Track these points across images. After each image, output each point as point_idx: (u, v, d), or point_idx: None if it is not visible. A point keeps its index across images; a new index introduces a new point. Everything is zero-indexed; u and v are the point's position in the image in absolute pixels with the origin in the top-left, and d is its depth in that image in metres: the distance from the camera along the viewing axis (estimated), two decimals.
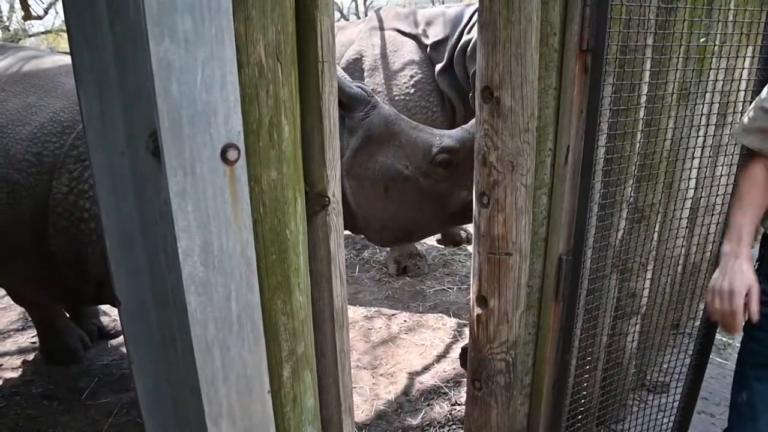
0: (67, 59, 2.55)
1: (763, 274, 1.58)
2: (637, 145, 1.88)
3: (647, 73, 1.79)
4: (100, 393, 2.89)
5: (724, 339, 3.15)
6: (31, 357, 3.26)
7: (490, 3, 1.55)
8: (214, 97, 0.86)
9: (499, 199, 1.71)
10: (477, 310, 1.89)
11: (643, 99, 1.82)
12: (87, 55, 0.91)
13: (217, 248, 0.93)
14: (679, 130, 2.02)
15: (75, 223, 2.17)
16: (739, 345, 1.68)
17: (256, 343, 1.04)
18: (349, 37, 4.67)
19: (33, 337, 3.46)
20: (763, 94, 1.48)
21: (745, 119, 1.52)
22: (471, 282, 1.92)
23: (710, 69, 2.06)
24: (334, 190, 1.19)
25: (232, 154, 0.91)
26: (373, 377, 2.98)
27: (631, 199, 1.96)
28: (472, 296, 1.91)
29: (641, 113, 1.84)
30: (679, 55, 1.87)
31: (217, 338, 0.98)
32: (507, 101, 1.61)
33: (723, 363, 3.03)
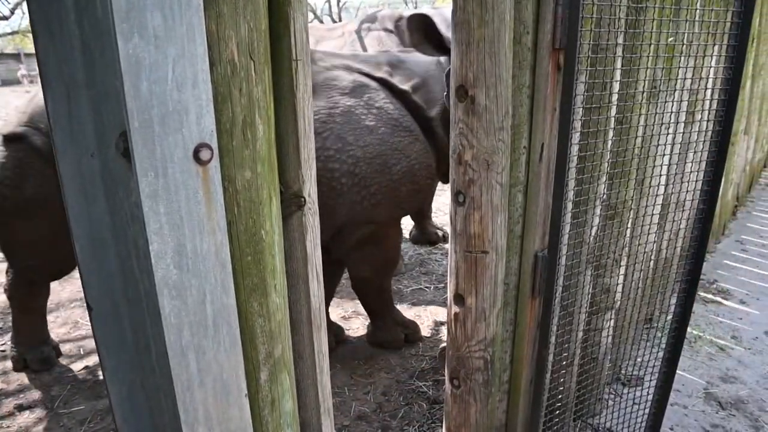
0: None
1: None
2: (609, 142, 1.91)
3: (618, 72, 1.82)
4: (74, 401, 2.82)
5: (695, 332, 3.22)
6: (1, 366, 3.16)
7: (464, 3, 1.56)
8: (185, 95, 0.85)
9: (475, 197, 1.72)
10: (454, 309, 1.89)
11: (615, 97, 1.85)
12: (53, 53, 0.88)
13: (190, 250, 0.92)
14: (649, 128, 2.06)
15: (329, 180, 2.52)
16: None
17: (232, 346, 1.03)
18: (335, 45, 4.60)
19: (2, 345, 3.36)
20: None
21: None
22: (448, 281, 1.92)
23: (679, 68, 2.10)
24: (310, 190, 1.18)
25: (205, 154, 0.89)
26: (351, 378, 2.96)
27: (605, 196, 1.99)
28: (450, 295, 1.91)
29: (613, 111, 1.87)
30: (648, 54, 1.90)
31: (193, 342, 0.96)
32: (481, 100, 1.62)
33: (694, 356, 3.09)
